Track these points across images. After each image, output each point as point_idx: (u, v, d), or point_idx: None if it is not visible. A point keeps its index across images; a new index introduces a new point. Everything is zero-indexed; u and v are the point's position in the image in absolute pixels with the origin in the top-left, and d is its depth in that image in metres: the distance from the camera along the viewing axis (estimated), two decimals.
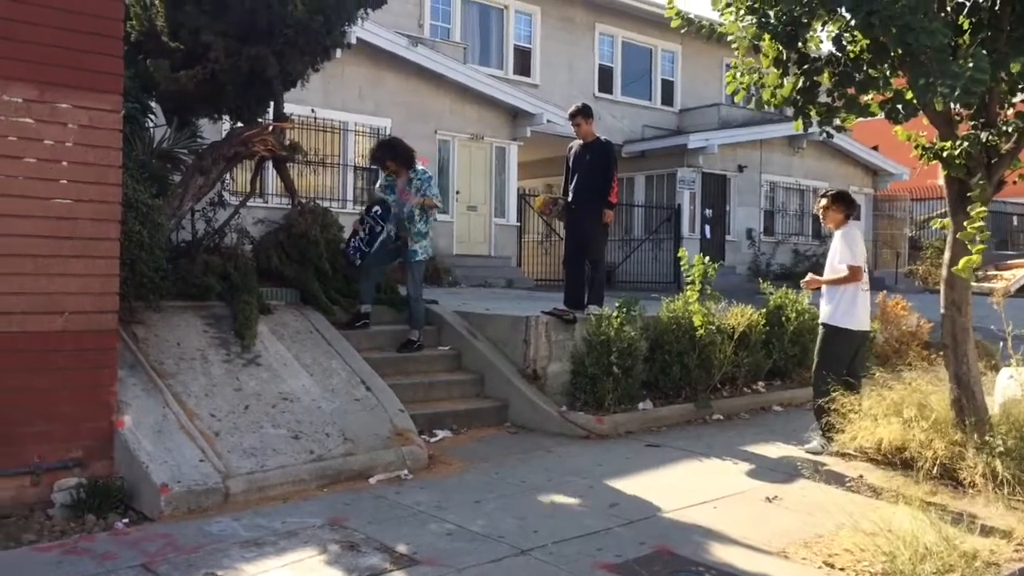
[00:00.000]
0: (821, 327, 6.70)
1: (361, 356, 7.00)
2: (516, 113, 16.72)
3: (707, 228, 20.33)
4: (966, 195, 5.74)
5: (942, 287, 6.25)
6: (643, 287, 17.26)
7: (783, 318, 8.70)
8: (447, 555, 4.34)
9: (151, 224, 6.16)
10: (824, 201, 6.78)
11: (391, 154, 7.97)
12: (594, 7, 19.63)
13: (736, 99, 6.18)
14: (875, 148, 23.58)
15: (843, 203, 6.71)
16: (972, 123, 6.00)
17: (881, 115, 5.77)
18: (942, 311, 6.10)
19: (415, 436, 6.22)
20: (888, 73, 5.56)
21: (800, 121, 5.94)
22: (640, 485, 5.65)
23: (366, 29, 12.62)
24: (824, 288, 6.65)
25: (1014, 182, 5.94)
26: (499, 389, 7.56)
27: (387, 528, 4.72)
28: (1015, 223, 27.75)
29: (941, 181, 6.63)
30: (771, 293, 8.92)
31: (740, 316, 8.12)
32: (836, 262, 6.59)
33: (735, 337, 8.01)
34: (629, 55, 20.66)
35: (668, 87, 21.55)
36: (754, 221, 21.37)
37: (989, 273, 21.16)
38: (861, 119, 6.08)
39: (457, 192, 16.02)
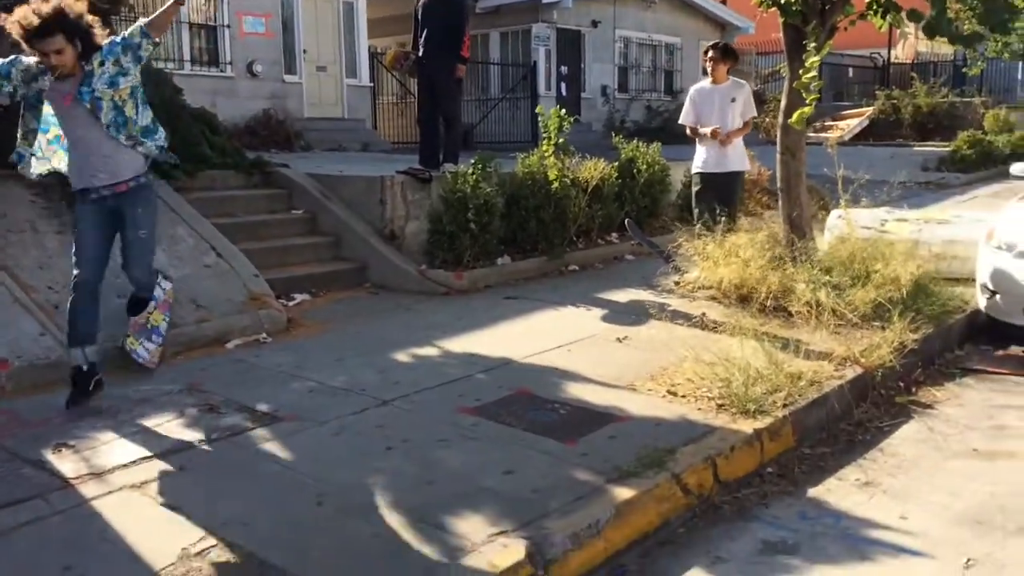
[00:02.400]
0: (731, 175, 7.02)
1: (210, 222, 6.75)
2: None
3: (563, 86, 20.29)
4: (802, 43, 5.96)
5: (778, 134, 6.57)
6: (501, 147, 17.12)
7: (635, 171, 8.93)
8: (309, 410, 4.39)
9: None
10: (713, 53, 6.93)
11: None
12: None
13: None
14: (723, 2, 23.93)
15: (733, 56, 6.98)
16: None
17: None
18: (778, 156, 6.42)
19: (272, 300, 6.14)
20: None
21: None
22: (498, 335, 5.83)
23: None
24: (730, 138, 6.93)
25: (846, 28, 6.18)
26: (357, 251, 7.50)
27: (246, 389, 4.71)
28: (851, 75, 29.08)
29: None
30: (623, 147, 9.10)
31: (593, 170, 8.28)
32: (743, 115, 6.95)
33: (589, 191, 8.19)
34: None
35: None
36: (608, 78, 21.48)
37: (826, 124, 22.27)
38: None
39: (304, 51, 15.23)
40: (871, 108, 23.67)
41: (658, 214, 9.30)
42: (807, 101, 5.68)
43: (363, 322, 6.23)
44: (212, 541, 3.08)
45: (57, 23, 4.00)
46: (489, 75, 19.87)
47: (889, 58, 29.55)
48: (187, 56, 13.61)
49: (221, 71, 13.90)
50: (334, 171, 8.62)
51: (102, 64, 4.23)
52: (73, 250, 4.45)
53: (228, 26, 13.93)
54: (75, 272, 4.39)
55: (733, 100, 7.00)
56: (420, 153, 8.00)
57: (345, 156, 12.57)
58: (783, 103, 6.52)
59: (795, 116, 5.76)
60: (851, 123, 22.85)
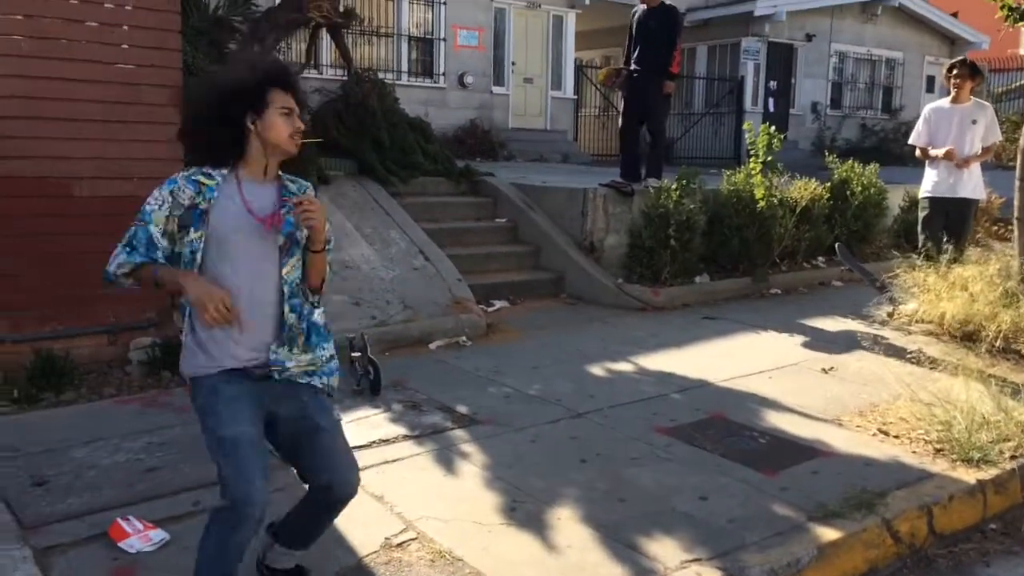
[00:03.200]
0: (965, 202, 6.60)
1: (420, 226, 7.06)
2: None
3: (771, 101, 19.61)
4: None
5: (1018, 158, 6.01)
6: (702, 162, 16.84)
7: (848, 192, 8.48)
8: (505, 415, 4.48)
9: None
10: (960, 70, 6.57)
11: None
12: None
13: None
14: (954, 15, 22.27)
15: (979, 75, 6.62)
16: None
17: None
18: (1017, 183, 5.89)
19: (473, 304, 6.33)
20: None
21: None
22: (695, 355, 5.71)
23: None
24: (968, 163, 6.52)
25: None
26: (555, 261, 7.60)
27: (447, 390, 4.88)
28: None
29: (1022, 49, 6.32)
30: (836, 167, 8.67)
31: (803, 190, 7.95)
32: (985, 139, 6.54)
33: (797, 211, 7.86)
34: None
35: None
36: (820, 94, 20.53)
37: None
38: None
39: (513, 63, 15.64)
40: None
41: (871, 240, 8.78)
42: None
43: (559, 332, 6.29)
44: (412, 534, 3.21)
45: None
46: (694, 89, 19.56)
47: None
48: (404, 67, 14.34)
49: (434, 82, 14.52)
50: (537, 181, 8.78)
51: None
52: None
53: (444, 39, 14.55)
54: None
55: (974, 122, 6.52)
56: (622, 165, 7.99)
57: (546, 167, 12.79)
58: None
59: None
60: None
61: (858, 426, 4.36)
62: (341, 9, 8.05)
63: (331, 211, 6.83)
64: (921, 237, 6.73)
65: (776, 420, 4.46)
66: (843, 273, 8.26)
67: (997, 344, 5.35)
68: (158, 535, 3.15)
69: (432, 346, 5.81)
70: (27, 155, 4.92)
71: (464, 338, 5.95)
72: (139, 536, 3.13)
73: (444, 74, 14.60)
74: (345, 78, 9.86)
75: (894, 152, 18.88)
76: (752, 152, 7.74)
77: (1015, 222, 6.11)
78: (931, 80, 22.61)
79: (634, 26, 7.78)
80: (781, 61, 19.71)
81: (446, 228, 7.57)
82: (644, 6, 7.70)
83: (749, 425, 4.39)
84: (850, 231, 8.57)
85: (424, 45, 14.67)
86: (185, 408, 4.50)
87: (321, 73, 12.38)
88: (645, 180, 7.69)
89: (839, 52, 20.74)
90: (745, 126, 8.11)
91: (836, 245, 7.50)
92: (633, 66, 7.71)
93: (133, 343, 5.28)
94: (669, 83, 7.61)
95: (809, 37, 19.92)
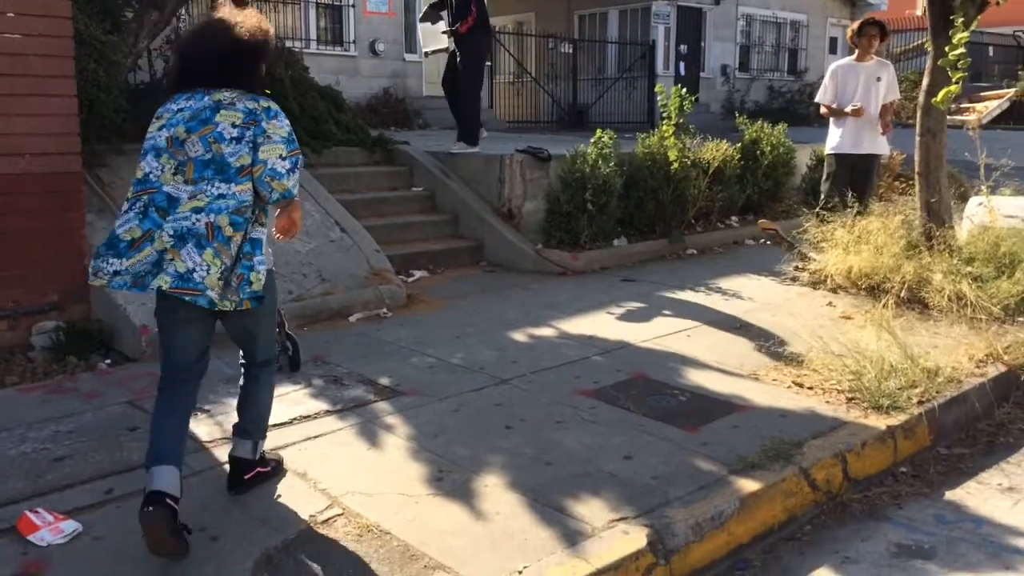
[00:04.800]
0: (868, 158, 6.84)
1: (334, 198, 6.91)
2: None
3: (681, 65, 19.85)
4: (949, 18, 5.61)
5: (918, 115, 6.22)
6: (617, 127, 16.74)
7: (758, 152, 8.66)
8: (429, 386, 4.44)
9: (107, 62, 5.90)
10: (871, 31, 6.70)
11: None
12: None
13: None
14: None
15: (887, 34, 6.85)
16: None
17: None
18: (917, 138, 6.09)
19: (392, 275, 6.25)
20: None
21: None
22: (615, 317, 5.76)
23: None
24: (874, 123, 6.69)
25: (997, 3, 5.78)
26: (474, 229, 7.55)
27: (369, 362, 4.81)
28: (991, 54, 27.35)
29: (920, 11, 6.53)
30: (746, 127, 8.83)
31: (715, 151, 8.07)
32: (886, 96, 6.74)
33: (710, 172, 7.99)
34: None
35: None
36: (729, 57, 20.88)
37: (962, 106, 21.01)
38: None
39: None
40: (1012, 90, 22.17)
41: (781, 198, 9.01)
42: (953, 79, 5.36)
43: (480, 300, 6.27)
44: (338, 510, 3.16)
45: None
46: (606, 54, 19.64)
47: None
48: (313, 35, 13.97)
49: (345, 50, 14.20)
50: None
51: None
52: None
53: (353, 5, 14.21)
54: None
55: (879, 79, 6.71)
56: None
57: None
58: (925, 82, 6.16)
59: (940, 95, 5.44)
60: (990, 105, 21.46)
61: (774, 380, 4.47)
62: None
63: None
64: (823, 191, 6.92)
65: (696, 377, 4.54)
66: (755, 232, 8.44)
67: (902, 295, 5.55)
68: (70, 526, 3.02)
69: (352, 319, 5.71)
70: None
71: (385, 310, 5.87)
72: (49, 528, 2.99)
73: (355, 42, 14.28)
74: None
75: (800, 113, 19.37)
76: (665, 115, 7.81)
77: (916, 177, 6.33)
78: (833, 41, 23.22)
79: None
80: (691, 25, 19.93)
81: (362, 199, 7.43)
82: None
83: (670, 384, 4.46)
84: (761, 190, 8.77)
85: (333, 12, 14.31)
86: (93, 394, 4.33)
87: None
88: (458, 143, 8.05)
89: (746, 15, 21.10)
90: (656, 89, 8.18)
91: (759, 222, 7.59)
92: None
93: (35, 328, 5.04)
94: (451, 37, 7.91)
95: (717, 1, 20.18)
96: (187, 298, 2.76)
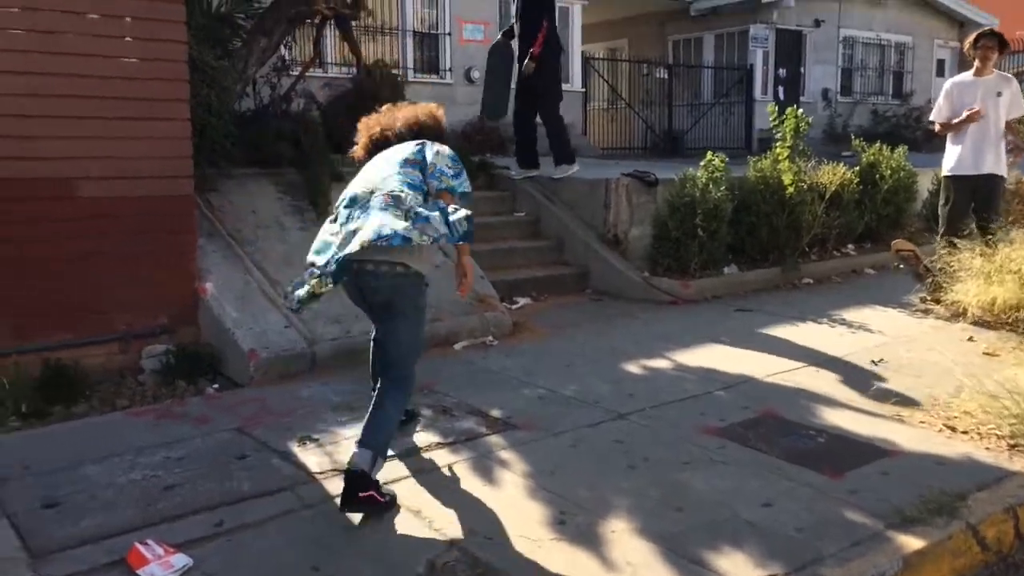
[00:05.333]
0: (990, 179, 6.36)
1: None
2: None
3: (780, 89, 19.29)
4: None
5: None
6: (713, 152, 16.60)
7: (877, 176, 8.20)
8: (542, 419, 4.21)
9: (218, 87, 5.94)
10: (988, 42, 6.33)
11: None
12: None
13: None
14: None
15: (1007, 46, 6.48)
16: None
17: None
18: None
19: (497, 302, 6.06)
20: None
21: None
22: (735, 349, 5.43)
23: None
24: (997, 141, 6.31)
25: None
26: (578, 255, 7.33)
27: (478, 392, 4.61)
28: None
29: None
30: (863, 150, 8.38)
31: (832, 175, 7.66)
32: (1009, 111, 6.34)
33: (826, 197, 7.58)
34: None
35: None
36: (830, 80, 20.20)
37: None
38: None
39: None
40: None
41: (903, 225, 8.51)
42: None
43: (588, 329, 6.02)
44: (456, 554, 2.94)
45: None
46: (702, 79, 19.27)
47: None
48: (410, 64, 14.05)
49: (441, 78, 14.24)
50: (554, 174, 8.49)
51: None
52: None
53: (449, 34, 14.26)
54: None
55: (999, 94, 6.25)
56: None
57: None
58: None
59: None
60: None
61: (921, 422, 4.08)
62: (349, 0, 7.76)
63: None
64: (943, 216, 6.47)
65: (832, 417, 4.19)
66: (876, 261, 7.97)
67: None
68: (180, 560, 2.88)
69: (457, 346, 5.54)
70: (27, 156, 4.65)
71: (490, 338, 5.68)
72: (159, 562, 2.86)
73: (450, 70, 14.31)
74: (350, 75, 9.60)
75: (907, 138, 18.51)
76: (778, 136, 7.45)
77: None
78: (941, 64, 22.29)
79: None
80: (790, 48, 19.39)
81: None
82: None
83: (804, 423, 4.12)
84: (880, 216, 8.30)
85: (429, 40, 14.39)
86: (202, 419, 4.24)
87: (326, 72, 12.11)
88: (558, 167, 7.79)
89: (848, 38, 20.42)
90: (768, 108, 7.83)
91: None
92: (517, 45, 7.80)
93: (145, 351, 5.03)
94: (528, 63, 7.58)
95: (818, 23, 19.59)
96: (383, 243, 3.14)
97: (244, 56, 7.10)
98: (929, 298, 6.41)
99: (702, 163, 7.06)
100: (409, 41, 14.13)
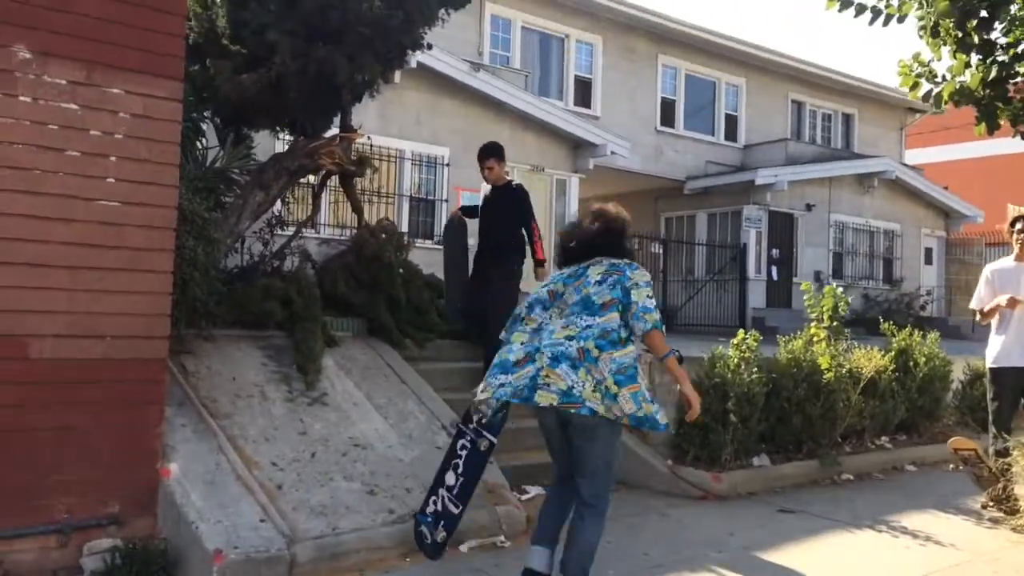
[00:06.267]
0: None
1: (439, 397, 6.07)
2: (578, 144, 15.86)
3: (774, 269, 19.22)
4: None
5: None
6: (706, 330, 16.17)
7: (910, 363, 7.62)
8: None
9: (206, 240, 5.33)
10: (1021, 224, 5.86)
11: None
12: (657, 38, 18.86)
13: (911, 95, 5.23)
14: (945, 188, 22.44)
15: None
16: None
17: None
18: None
19: (508, 492, 5.24)
20: None
21: (984, 124, 4.96)
22: (791, 562, 4.59)
23: (427, 54, 11.88)
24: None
25: None
26: None
27: None
28: None
29: None
30: (893, 335, 7.85)
31: (867, 359, 7.07)
32: None
33: (861, 383, 6.95)
34: (692, 88, 19.78)
35: (732, 122, 20.61)
36: (822, 263, 20.21)
37: None
38: None
39: None
40: None
41: (939, 416, 7.86)
42: None
43: (613, 529, 5.12)
44: None
45: None
46: (695, 256, 19.19)
47: None
48: (405, 228, 13.73)
49: (436, 244, 13.89)
50: None
51: None
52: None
53: (446, 200, 14.08)
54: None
55: None
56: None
57: None
58: None
59: None
60: None
61: None
62: (354, 157, 7.36)
63: (338, 378, 5.83)
64: (993, 412, 5.86)
65: None
66: (916, 456, 7.26)
67: None
68: None
69: (464, 548, 4.66)
70: None
71: (502, 537, 4.82)
72: None
73: None
74: (344, 235, 9.11)
75: (900, 324, 18.29)
76: (814, 316, 6.91)
77: None
78: (928, 252, 22.48)
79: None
80: (782, 229, 19.48)
81: (468, 399, 6.53)
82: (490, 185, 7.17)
83: None
84: (914, 406, 7.64)
85: (426, 206, 14.20)
86: None
87: (319, 232, 11.69)
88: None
89: (839, 222, 20.63)
90: (803, 287, 7.33)
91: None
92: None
93: (87, 546, 4.12)
94: (538, 269, 7.24)
95: (809, 207, 19.82)
96: (572, 411, 3.43)
97: (238, 209, 6.59)
98: (991, 504, 5.68)
99: (733, 341, 6.44)
100: (405, 206, 13.90)
